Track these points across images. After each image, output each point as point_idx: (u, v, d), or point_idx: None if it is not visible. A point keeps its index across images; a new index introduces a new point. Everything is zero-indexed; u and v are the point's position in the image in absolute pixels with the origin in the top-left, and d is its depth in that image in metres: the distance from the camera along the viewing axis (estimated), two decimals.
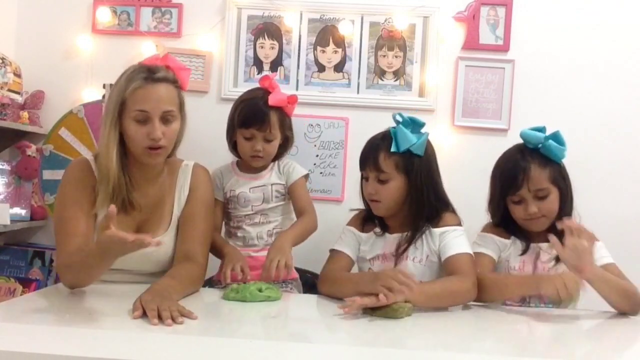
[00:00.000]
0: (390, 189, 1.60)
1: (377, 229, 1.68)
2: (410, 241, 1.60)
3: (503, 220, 1.68)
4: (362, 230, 1.70)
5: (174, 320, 1.17)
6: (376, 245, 1.66)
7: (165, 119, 1.47)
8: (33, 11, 2.42)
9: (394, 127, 1.62)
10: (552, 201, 1.60)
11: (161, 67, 1.50)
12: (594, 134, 2.26)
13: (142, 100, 1.43)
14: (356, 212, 1.76)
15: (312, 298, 1.62)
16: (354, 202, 1.86)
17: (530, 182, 1.57)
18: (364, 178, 1.65)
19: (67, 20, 2.41)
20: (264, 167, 1.86)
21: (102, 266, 1.35)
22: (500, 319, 1.46)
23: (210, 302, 1.41)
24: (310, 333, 1.26)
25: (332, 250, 1.70)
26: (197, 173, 1.63)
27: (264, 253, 1.69)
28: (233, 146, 1.86)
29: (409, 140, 1.58)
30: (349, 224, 1.74)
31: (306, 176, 1.90)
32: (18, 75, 2.33)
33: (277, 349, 1.09)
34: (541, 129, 1.63)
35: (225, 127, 1.82)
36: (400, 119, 1.61)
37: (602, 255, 1.60)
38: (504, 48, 2.32)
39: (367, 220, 1.71)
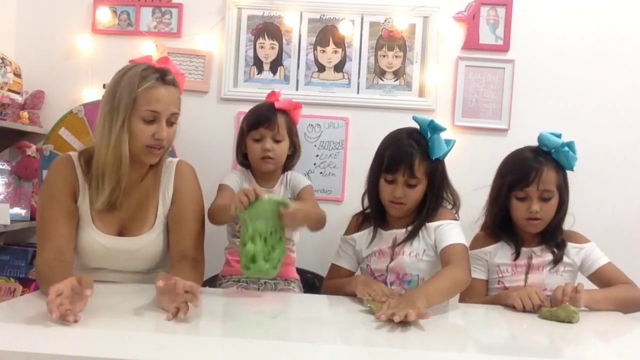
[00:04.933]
0: (417, 192, 1.64)
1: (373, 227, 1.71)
2: (409, 237, 1.64)
3: (499, 222, 1.70)
4: (358, 229, 1.73)
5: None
6: (372, 242, 1.69)
7: (170, 121, 1.49)
8: (33, 11, 2.42)
9: (419, 132, 1.65)
10: (552, 205, 1.64)
11: (169, 70, 1.52)
12: (594, 134, 2.26)
13: (155, 100, 1.45)
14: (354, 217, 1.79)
15: (312, 298, 1.63)
16: (353, 202, 1.86)
17: (540, 181, 1.61)
18: (389, 181, 1.64)
19: (67, 20, 2.40)
20: (275, 179, 1.92)
21: None
22: (500, 319, 1.46)
23: (211, 302, 1.41)
24: (310, 333, 1.26)
25: (332, 265, 1.76)
26: (181, 170, 1.61)
27: None
28: (244, 156, 1.92)
29: (444, 149, 1.64)
30: (345, 233, 1.78)
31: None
32: (18, 75, 2.33)
33: (277, 349, 1.09)
34: (558, 135, 1.67)
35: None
36: (426, 124, 1.64)
37: (597, 256, 1.66)
38: (504, 48, 2.32)
39: (364, 221, 1.74)
